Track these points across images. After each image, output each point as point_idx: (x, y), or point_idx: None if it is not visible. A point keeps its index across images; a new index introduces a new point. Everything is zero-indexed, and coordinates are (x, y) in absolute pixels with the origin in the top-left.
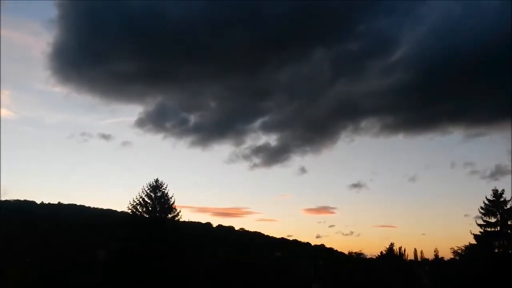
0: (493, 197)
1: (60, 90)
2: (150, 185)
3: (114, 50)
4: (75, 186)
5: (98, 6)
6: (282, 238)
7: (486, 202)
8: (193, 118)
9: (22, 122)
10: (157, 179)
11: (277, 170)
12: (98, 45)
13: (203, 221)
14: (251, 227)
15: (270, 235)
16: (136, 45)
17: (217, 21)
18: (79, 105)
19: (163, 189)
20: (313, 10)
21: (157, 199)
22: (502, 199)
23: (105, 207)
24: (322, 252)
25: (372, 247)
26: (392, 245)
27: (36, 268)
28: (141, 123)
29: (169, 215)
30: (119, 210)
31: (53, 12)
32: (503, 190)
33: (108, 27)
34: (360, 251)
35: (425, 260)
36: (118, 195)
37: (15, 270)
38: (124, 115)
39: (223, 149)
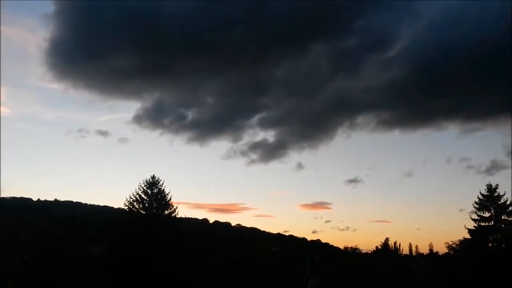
0: (487, 192)
1: (56, 87)
2: (146, 182)
3: (111, 46)
4: (72, 183)
5: (95, 2)
6: (279, 234)
7: (480, 197)
8: (190, 114)
9: (19, 119)
10: (153, 175)
11: (274, 166)
12: (95, 41)
13: (200, 217)
14: (247, 223)
15: (267, 231)
16: (134, 41)
17: (215, 17)
18: (76, 102)
19: (160, 185)
20: (312, 5)
21: (154, 196)
22: (496, 194)
23: (102, 203)
24: (318, 247)
25: (368, 242)
26: (387, 240)
27: (32, 265)
28: (138, 119)
29: (166, 212)
30: (115, 206)
31: (49, 8)
32: (497, 185)
33: (105, 22)
34: (355, 246)
35: (420, 255)
36: (116, 191)
37: (11, 268)
38: (121, 112)
39: (220, 145)
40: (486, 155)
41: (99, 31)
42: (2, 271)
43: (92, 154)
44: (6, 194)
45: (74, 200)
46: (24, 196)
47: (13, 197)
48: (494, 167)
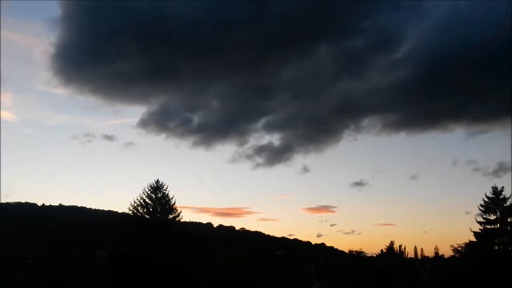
0: (493, 194)
1: (62, 92)
2: (150, 186)
3: (116, 50)
4: (78, 188)
5: (101, 6)
6: (283, 238)
7: (486, 199)
8: (196, 118)
9: (24, 124)
10: (157, 180)
11: (279, 170)
12: (101, 45)
13: (204, 221)
14: (252, 227)
15: (271, 235)
16: (139, 45)
17: (220, 19)
18: (82, 106)
19: (164, 190)
20: (317, 6)
21: (158, 200)
22: (501, 197)
23: (108, 208)
24: (323, 251)
25: (373, 245)
26: (392, 243)
27: (37, 269)
28: (144, 123)
29: (170, 216)
30: (120, 211)
31: (54, 12)
32: (502, 187)
33: (111, 27)
34: (360, 249)
35: (425, 258)
36: (121, 196)
37: (16, 272)
38: (127, 116)
39: (226, 149)
40: (493, 157)
41: (105, 36)
42: (8, 274)
43: (98, 158)
44: (11, 199)
45: (79, 205)
46: (29, 201)
47: (18, 202)
48: (501, 169)
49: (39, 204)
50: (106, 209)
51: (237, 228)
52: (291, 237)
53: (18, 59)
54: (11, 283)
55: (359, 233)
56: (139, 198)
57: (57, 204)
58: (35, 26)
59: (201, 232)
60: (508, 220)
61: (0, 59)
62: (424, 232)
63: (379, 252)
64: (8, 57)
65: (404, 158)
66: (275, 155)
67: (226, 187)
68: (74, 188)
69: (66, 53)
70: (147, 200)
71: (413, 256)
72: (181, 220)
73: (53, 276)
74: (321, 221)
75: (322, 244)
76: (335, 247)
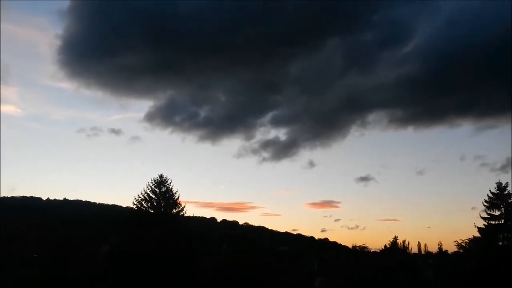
0: (497, 190)
1: (68, 85)
2: (154, 181)
3: (123, 44)
4: (85, 182)
5: (107, 0)
6: (286, 232)
7: (490, 195)
8: (202, 112)
9: (30, 119)
10: (161, 174)
11: (286, 165)
12: (108, 39)
13: (208, 216)
14: (255, 222)
15: (275, 230)
16: (146, 39)
17: (227, 14)
18: (88, 100)
19: (168, 184)
20: (326, 0)
21: (162, 194)
22: (506, 192)
23: (113, 202)
24: (326, 246)
25: (378, 241)
26: (396, 238)
27: (41, 264)
28: (150, 117)
29: (174, 210)
30: (125, 205)
31: (60, 6)
32: (507, 183)
33: (118, 20)
34: (364, 244)
35: (429, 253)
36: (128, 190)
37: (19, 267)
38: (134, 110)
39: (232, 144)
40: (501, 152)
41: (112, 30)
42: (9, 273)
43: (104, 153)
44: (16, 193)
45: (84, 199)
46: (34, 196)
47: (23, 196)
48: (509, 164)
49: (44, 198)
50: (110, 203)
51: (240, 223)
52: (295, 232)
53: (23, 53)
54: (12, 282)
55: (363, 228)
56: (143, 192)
57: (62, 199)
58: (40, 20)
59: (204, 227)
60: None
61: (0, 52)
62: (428, 227)
63: (383, 248)
64: (14, 52)
65: (410, 153)
66: (281, 150)
67: (232, 181)
68: (80, 182)
69: (72, 47)
70: (151, 195)
71: (416, 252)
72: (185, 215)
73: (54, 275)
74: (325, 216)
75: (326, 239)
76: (339, 242)
